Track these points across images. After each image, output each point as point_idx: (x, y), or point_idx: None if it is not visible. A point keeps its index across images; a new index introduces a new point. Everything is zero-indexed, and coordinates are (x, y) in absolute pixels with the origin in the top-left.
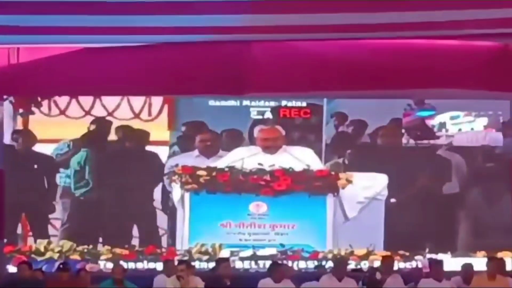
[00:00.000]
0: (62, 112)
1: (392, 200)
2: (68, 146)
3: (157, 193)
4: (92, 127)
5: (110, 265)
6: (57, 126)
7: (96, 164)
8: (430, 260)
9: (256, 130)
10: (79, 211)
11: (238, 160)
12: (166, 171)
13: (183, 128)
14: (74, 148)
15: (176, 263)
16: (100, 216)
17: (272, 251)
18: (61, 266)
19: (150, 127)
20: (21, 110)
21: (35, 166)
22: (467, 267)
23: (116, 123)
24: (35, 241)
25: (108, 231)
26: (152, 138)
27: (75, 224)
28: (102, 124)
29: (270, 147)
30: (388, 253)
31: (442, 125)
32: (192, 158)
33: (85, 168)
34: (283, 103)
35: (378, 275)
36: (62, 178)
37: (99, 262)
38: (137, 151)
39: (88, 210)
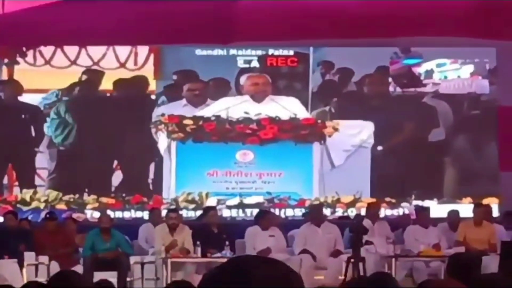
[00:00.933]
0: (48, 62)
1: (379, 147)
2: (56, 95)
3: (144, 142)
4: (84, 77)
5: (96, 215)
6: (43, 76)
7: (79, 113)
8: (417, 207)
9: (243, 78)
10: (65, 161)
11: (224, 109)
12: (153, 120)
13: (174, 77)
14: (62, 97)
15: (163, 212)
16: (86, 166)
17: (259, 199)
18: (47, 215)
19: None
20: (6, 60)
21: (23, 116)
22: (453, 214)
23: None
24: (21, 191)
25: (93, 181)
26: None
27: (61, 174)
28: (93, 74)
29: (259, 93)
30: (371, 201)
31: (429, 72)
32: (180, 107)
33: (66, 117)
34: (270, 51)
35: (366, 222)
36: (50, 128)
37: (86, 211)
38: (123, 99)
39: (73, 160)
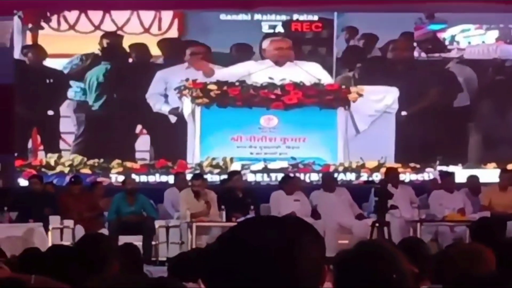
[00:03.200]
0: (72, 27)
1: (403, 113)
2: (81, 60)
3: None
4: (105, 41)
5: (121, 179)
6: (67, 41)
7: (112, 79)
8: (441, 172)
9: (266, 42)
10: (93, 125)
11: (247, 75)
12: (176, 85)
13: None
14: (86, 62)
15: (188, 176)
16: (111, 130)
17: (283, 164)
18: (72, 179)
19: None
20: (30, 25)
21: (47, 81)
22: (473, 179)
23: (126, 38)
24: (45, 156)
25: (120, 145)
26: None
27: (88, 139)
28: (115, 39)
29: (282, 57)
30: (395, 166)
31: (453, 38)
32: (182, 70)
33: (100, 82)
34: (295, 17)
35: (390, 187)
36: (77, 93)
37: (110, 175)
38: (147, 65)
39: (102, 124)
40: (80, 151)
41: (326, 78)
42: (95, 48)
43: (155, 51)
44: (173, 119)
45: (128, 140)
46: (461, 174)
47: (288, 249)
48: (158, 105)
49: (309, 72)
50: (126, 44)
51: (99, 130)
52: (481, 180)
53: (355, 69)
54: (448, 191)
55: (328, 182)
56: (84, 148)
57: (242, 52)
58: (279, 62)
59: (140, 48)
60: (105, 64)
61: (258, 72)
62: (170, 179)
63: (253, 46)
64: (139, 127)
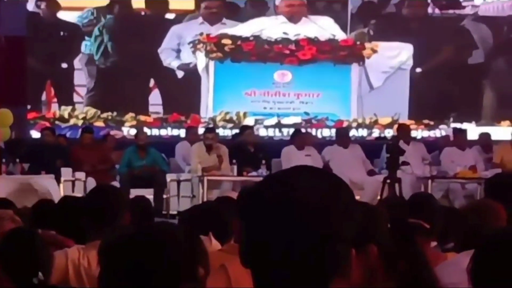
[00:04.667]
0: None
1: (418, 69)
2: (92, 14)
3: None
4: None
5: (133, 132)
6: None
7: (117, 32)
8: (454, 129)
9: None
10: (104, 79)
11: (259, 31)
12: (187, 39)
13: None
14: (98, 16)
15: (200, 131)
16: (125, 84)
17: (297, 119)
18: (84, 129)
19: None
20: None
21: (61, 34)
22: (484, 136)
23: None
24: (59, 108)
25: (132, 98)
26: (175, 6)
27: (100, 92)
28: None
29: (294, 14)
30: (409, 122)
31: None
32: (196, 25)
33: (104, 35)
34: None
35: (401, 143)
36: (88, 46)
37: (123, 128)
38: (157, 19)
39: (112, 78)
40: (92, 104)
41: (340, 34)
42: (107, 1)
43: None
44: (180, 74)
45: (141, 94)
46: (474, 131)
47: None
48: (169, 60)
49: (323, 27)
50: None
51: (110, 83)
52: (494, 138)
53: (369, 25)
54: (460, 148)
55: (343, 137)
56: (96, 101)
57: (257, 7)
58: (292, 19)
59: (157, 2)
60: (110, 17)
61: (270, 28)
62: (182, 133)
63: (268, 1)
64: (152, 82)
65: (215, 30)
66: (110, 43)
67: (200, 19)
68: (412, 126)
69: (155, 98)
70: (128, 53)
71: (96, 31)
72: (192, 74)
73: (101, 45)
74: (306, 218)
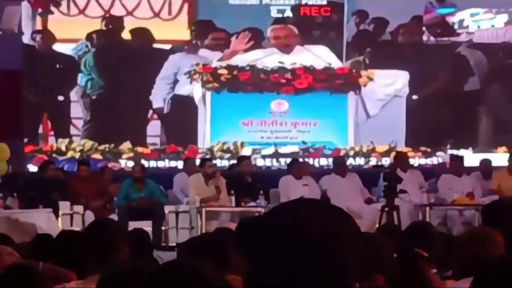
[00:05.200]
0: (81, 12)
1: (414, 97)
2: (86, 46)
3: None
4: (104, 24)
5: (131, 164)
6: (76, 26)
7: (106, 63)
8: (451, 156)
9: (269, 30)
10: (99, 111)
11: (254, 61)
12: (186, 70)
13: (193, 27)
14: (90, 47)
15: (198, 161)
16: (120, 116)
17: (294, 148)
18: (80, 161)
19: (170, 26)
20: (40, 10)
21: (57, 66)
22: (485, 162)
23: (133, 22)
24: (56, 141)
25: (129, 130)
26: (172, 37)
27: (96, 124)
28: (113, 22)
29: (283, 45)
30: (406, 150)
31: (462, 22)
32: (196, 55)
33: (91, 68)
34: (304, 1)
35: (399, 171)
36: (83, 78)
37: (120, 161)
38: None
39: (107, 110)
40: (89, 136)
41: (336, 62)
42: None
43: (163, 35)
44: (178, 104)
45: (139, 125)
46: (471, 158)
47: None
48: (166, 90)
49: (319, 56)
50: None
51: (106, 115)
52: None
53: (365, 53)
54: (457, 175)
55: (340, 166)
56: (93, 133)
57: (253, 37)
58: (284, 50)
59: (143, 33)
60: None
61: (265, 58)
62: (180, 164)
63: (263, 30)
64: (150, 112)
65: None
66: (95, 74)
67: (200, 50)
68: (409, 154)
69: (152, 129)
70: (121, 84)
71: (83, 63)
72: (189, 104)
73: (89, 77)
74: (313, 249)
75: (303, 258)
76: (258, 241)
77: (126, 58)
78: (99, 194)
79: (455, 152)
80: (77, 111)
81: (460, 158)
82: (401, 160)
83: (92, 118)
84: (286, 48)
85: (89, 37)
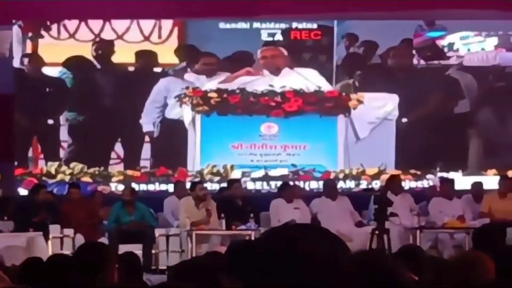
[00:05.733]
0: (72, 36)
1: (403, 120)
2: (64, 73)
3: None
4: (94, 48)
5: (121, 187)
6: (67, 50)
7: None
8: (441, 178)
9: (258, 52)
10: (81, 134)
11: (243, 84)
12: (176, 93)
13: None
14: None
15: (188, 184)
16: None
17: (284, 171)
18: (70, 185)
19: (160, 49)
20: (30, 34)
21: (47, 90)
22: (477, 185)
23: (123, 46)
24: (46, 164)
25: (119, 154)
26: (162, 60)
27: (80, 147)
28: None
29: (270, 66)
30: (396, 173)
31: (452, 45)
32: (186, 79)
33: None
34: (294, 25)
35: (389, 194)
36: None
37: (111, 184)
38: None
39: (97, 133)
40: (77, 159)
41: (325, 85)
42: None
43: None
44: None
45: (128, 148)
46: (461, 180)
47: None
48: (156, 114)
49: (308, 79)
50: (128, 52)
51: (95, 139)
52: None
53: (355, 76)
54: (447, 198)
55: (331, 189)
56: (81, 156)
57: (242, 60)
58: (272, 71)
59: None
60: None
61: (254, 81)
62: (170, 187)
63: (254, 53)
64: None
65: (202, 84)
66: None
67: (191, 74)
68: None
69: (142, 152)
70: (105, 108)
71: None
72: (179, 128)
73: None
74: (307, 275)
75: (297, 283)
76: (251, 265)
77: (116, 82)
78: (89, 216)
79: (445, 175)
80: (67, 134)
81: (451, 181)
82: (394, 183)
83: (74, 141)
84: (274, 69)
85: (65, 63)
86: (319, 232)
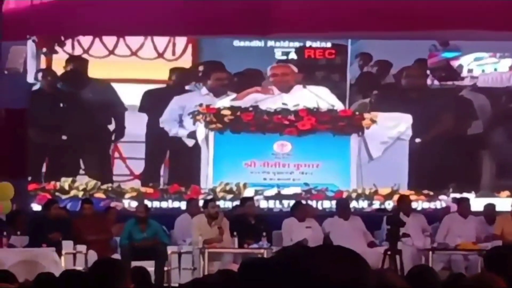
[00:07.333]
0: (86, 51)
1: (417, 140)
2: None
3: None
4: (69, 66)
5: (134, 204)
6: (83, 65)
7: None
8: (458, 198)
9: (268, 69)
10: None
11: (254, 102)
12: (189, 110)
13: (201, 68)
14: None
15: (200, 203)
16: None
17: (297, 190)
18: (83, 201)
19: (174, 66)
20: (44, 49)
21: (61, 105)
22: (489, 207)
23: (137, 62)
24: (59, 179)
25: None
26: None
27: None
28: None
29: (280, 83)
30: (409, 193)
31: (467, 66)
32: (200, 96)
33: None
34: (308, 43)
35: (402, 215)
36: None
37: (123, 200)
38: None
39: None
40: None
41: (338, 104)
42: (108, 73)
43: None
44: (190, 143)
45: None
46: (474, 202)
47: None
48: (174, 130)
49: (321, 97)
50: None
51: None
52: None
53: (370, 95)
54: (463, 216)
55: (343, 209)
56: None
57: (253, 77)
58: (280, 88)
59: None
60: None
61: (266, 99)
62: (183, 205)
63: (263, 71)
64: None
65: (214, 101)
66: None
67: (204, 90)
68: (412, 197)
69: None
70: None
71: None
72: (193, 144)
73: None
74: None
75: None
76: (263, 283)
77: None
78: (102, 233)
79: (458, 196)
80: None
81: (467, 200)
82: (404, 203)
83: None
84: (285, 87)
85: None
86: (338, 253)
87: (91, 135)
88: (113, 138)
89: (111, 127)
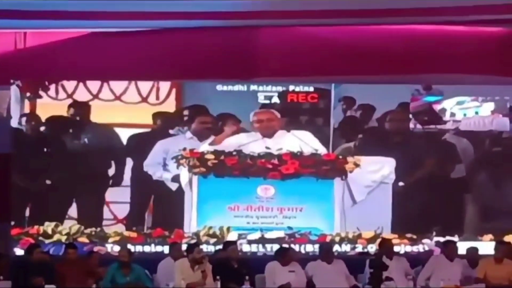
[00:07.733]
0: (70, 96)
1: (400, 183)
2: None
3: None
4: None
5: (117, 248)
6: (65, 110)
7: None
8: (439, 242)
9: (251, 115)
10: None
11: (238, 146)
12: (173, 154)
13: (186, 112)
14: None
15: (184, 246)
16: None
17: (280, 234)
18: (67, 245)
19: (158, 111)
20: (28, 94)
21: (45, 150)
22: (472, 251)
23: (121, 107)
24: (42, 224)
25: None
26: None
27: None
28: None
29: (265, 129)
30: (392, 237)
31: (449, 110)
32: (184, 140)
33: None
34: (291, 88)
35: (385, 258)
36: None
37: (107, 245)
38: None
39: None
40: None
41: (321, 148)
42: (92, 117)
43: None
44: (174, 186)
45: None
46: (457, 245)
47: None
48: (158, 173)
49: (304, 141)
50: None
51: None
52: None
53: (354, 139)
54: (449, 259)
55: (326, 252)
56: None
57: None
58: (264, 134)
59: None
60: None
61: (249, 144)
62: (166, 249)
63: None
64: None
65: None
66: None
67: (189, 134)
68: (395, 241)
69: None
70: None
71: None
72: (176, 188)
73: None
74: None
75: None
76: None
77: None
78: (86, 277)
79: (441, 239)
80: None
81: (453, 242)
82: (385, 247)
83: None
84: (268, 132)
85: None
86: None
87: (82, 179)
88: (110, 183)
89: (111, 171)
